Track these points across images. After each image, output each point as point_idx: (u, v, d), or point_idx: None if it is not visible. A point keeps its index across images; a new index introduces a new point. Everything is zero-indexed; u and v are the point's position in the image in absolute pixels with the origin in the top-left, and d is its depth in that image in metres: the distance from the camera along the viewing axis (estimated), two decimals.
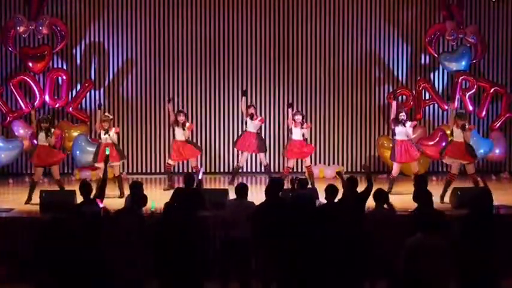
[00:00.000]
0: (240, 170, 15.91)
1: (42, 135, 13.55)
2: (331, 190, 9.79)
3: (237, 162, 16.02)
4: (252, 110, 15.23)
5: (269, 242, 9.35)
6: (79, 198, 12.78)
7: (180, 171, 16.24)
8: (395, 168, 14.34)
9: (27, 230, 11.43)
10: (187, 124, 14.79)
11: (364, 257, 9.33)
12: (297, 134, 14.65)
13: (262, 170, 16.07)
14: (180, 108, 15.84)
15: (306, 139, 14.93)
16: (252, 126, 15.25)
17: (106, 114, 14.59)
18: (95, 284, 8.33)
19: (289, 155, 14.85)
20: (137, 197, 9.82)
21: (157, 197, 13.15)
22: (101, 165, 13.95)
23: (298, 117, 14.63)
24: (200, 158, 17.14)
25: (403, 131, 14.09)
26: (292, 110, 14.87)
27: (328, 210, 9.58)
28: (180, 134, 14.72)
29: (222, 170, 17.23)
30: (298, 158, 15.32)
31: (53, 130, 13.68)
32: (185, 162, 16.00)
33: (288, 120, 14.89)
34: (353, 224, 9.41)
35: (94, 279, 8.35)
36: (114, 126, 14.36)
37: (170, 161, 15.07)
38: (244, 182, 15.78)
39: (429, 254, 7.66)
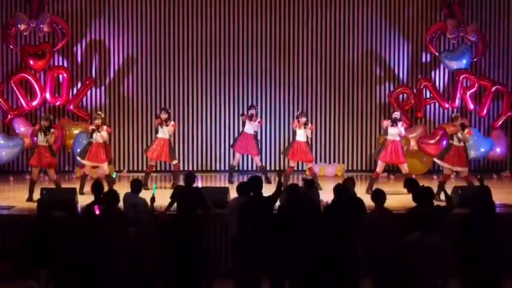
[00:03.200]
0: (236, 169, 15.85)
1: (41, 135, 13.51)
2: (339, 189, 9.78)
3: (232, 161, 15.93)
4: (252, 111, 15.17)
5: (262, 239, 9.42)
6: (79, 197, 12.88)
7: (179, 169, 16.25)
8: (379, 167, 14.08)
9: (28, 228, 11.43)
10: (172, 122, 14.56)
11: (360, 256, 9.35)
12: (300, 135, 14.46)
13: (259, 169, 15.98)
14: (167, 106, 15.97)
15: (307, 141, 14.71)
16: (250, 127, 15.17)
17: (98, 112, 14.57)
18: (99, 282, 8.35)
19: (292, 157, 14.62)
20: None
21: (158, 195, 13.18)
22: (86, 162, 13.97)
23: (303, 119, 14.45)
24: (200, 157, 17.19)
25: (396, 131, 13.87)
26: (305, 117, 14.62)
27: (335, 209, 9.59)
28: (163, 132, 14.45)
29: (222, 169, 17.22)
30: (300, 161, 15.16)
31: (52, 130, 13.59)
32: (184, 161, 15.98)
33: (293, 123, 14.70)
34: (353, 225, 9.41)
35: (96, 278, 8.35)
36: (106, 125, 14.26)
37: (152, 162, 14.78)
38: (240, 180, 15.97)
39: (425, 253, 7.66)
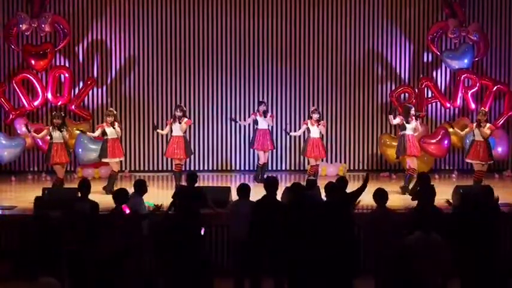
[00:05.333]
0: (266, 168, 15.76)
1: (56, 132, 13.50)
2: (331, 188, 9.78)
3: (258, 160, 15.59)
4: (264, 107, 15.13)
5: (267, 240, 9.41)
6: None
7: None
8: (414, 162, 14.06)
9: (30, 228, 11.45)
10: (185, 119, 14.32)
11: (356, 255, 9.37)
12: (315, 132, 14.47)
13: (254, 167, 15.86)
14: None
15: (323, 136, 14.74)
16: (264, 123, 15.11)
17: (110, 108, 14.60)
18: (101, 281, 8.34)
19: (310, 155, 14.52)
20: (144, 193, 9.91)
21: (159, 195, 13.19)
22: (109, 160, 13.97)
23: (316, 115, 14.49)
24: (202, 157, 17.19)
25: (415, 126, 13.94)
26: (318, 114, 14.66)
27: (329, 207, 9.59)
28: (176, 129, 14.26)
29: (223, 168, 17.24)
30: (318, 158, 14.78)
31: (66, 126, 13.67)
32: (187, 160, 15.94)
33: (305, 122, 14.75)
34: (346, 222, 9.42)
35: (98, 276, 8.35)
36: (117, 121, 14.30)
37: (177, 161, 14.41)
38: (241, 179, 16.00)
39: (427, 252, 7.66)
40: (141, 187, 10.39)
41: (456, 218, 9.17)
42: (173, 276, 8.71)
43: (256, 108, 15.55)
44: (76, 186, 13.26)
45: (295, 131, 15.81)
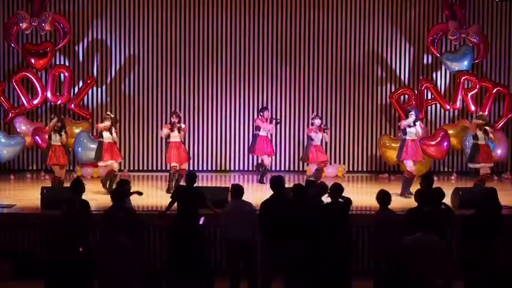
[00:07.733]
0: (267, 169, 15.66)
1: (55, 135, 13.48)
2: (336, 189, 9.77)
3: (261, 162, 15.56)
4: (268, 113, 15.14)
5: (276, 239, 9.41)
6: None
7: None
8: (411, 166, 13.93)
9: (29, 226, 11.45)
10: (183, 126, 14.24)
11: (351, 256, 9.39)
12: (317, 138, 14.41)
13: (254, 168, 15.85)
14: (176, 109, 15.80)
15: (326, 143, 14.70)
16: (267, 129, 15.09)
17: (107, 113, 14.55)
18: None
19: (312, 161, 14.49)
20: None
21: (157, 194, 13.18)
22: (103, 163, 13.97)
23: (318, 121, 14.45)
24: (201, 157, 17.19)
25: (414, 131, 13.81)
26: (319, 119, 14.65)
27: (333, 208, 9.58)
28: (175, 135, 14.13)
29: (223, 169, 17.24)
30: (319, 163, 14.68)
31: (65, 130, 13.66)
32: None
33: (309, 129, 14.66)
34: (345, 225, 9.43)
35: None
36: (114, 126, 14.21)
37: (173, 163, 14.26)
38: (240, 179, 16.00)
39: (424, 254, 7.66)
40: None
41: (470, 220, 9.13)
42: (174, 276, 8.71)
43: (258, 112, 15.43)
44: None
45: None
